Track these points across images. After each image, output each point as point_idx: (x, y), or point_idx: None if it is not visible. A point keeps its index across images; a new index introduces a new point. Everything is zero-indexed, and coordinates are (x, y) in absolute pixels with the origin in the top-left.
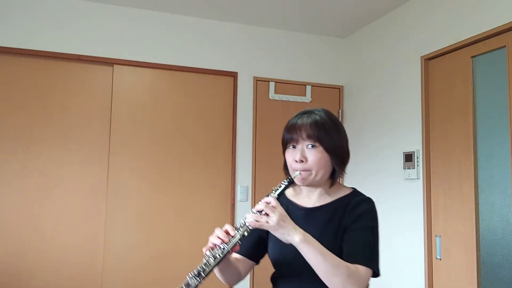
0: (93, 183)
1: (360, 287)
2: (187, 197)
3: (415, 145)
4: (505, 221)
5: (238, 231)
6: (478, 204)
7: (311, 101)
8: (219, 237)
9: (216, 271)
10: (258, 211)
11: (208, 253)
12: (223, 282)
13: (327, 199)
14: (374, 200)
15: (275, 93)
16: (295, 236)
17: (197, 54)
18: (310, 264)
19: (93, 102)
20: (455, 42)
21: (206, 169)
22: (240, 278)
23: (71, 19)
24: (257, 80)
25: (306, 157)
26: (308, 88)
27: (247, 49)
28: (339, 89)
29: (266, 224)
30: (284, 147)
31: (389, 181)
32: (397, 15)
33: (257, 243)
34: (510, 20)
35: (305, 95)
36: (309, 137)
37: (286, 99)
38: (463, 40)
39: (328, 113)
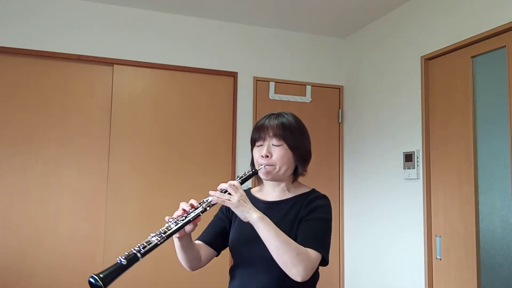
0: (93, 183)
1: (308, 267)
2: (187, 196)
3: (415, 145)
4: (505, 221)
5: (201, 205)
6: (478, 204)
7: (311, 101)
8: (183, 209)
9: (178, 249)
10: (221, 190)
11: (171, 220)
12: (184, 265)
13: (287, 195)
14: (370, 200)
15: (275, 93)
16: (253, 214)
17: (197, 54)
18: (263, 241)
19: (93, 102)
20: (455, 42)
21: (206, 169)
22: (200, 263)
23: (71, 19)
24: (257, 80)
25: (271, 153)
26: (308, 88)
27: (247, 49)
28: (339, 89)
29: (228, 201)
30: (252, 145)
31: (389, 181)
32: (397, 15)
33: (220, 233)
34: (510, 20)
35: (305, 95)
36: (275, 135)
37: (286, 99)
38: (463, 40)
39: (294, 117)
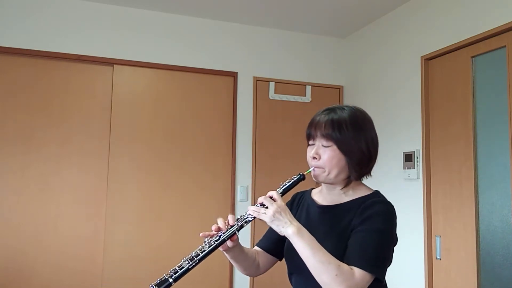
0: (93, 182)
1: None
2: (187, 197)
3: (415, 145)
4: (505, 221)
5: (237, 222)
6: (478, 204)
7: (311, 101)
8: (218, 226)
9: (230, 259)
10: (260, 203)
11: (206, 239)
12: (240, 271)
13: (344, 198)
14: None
15: (275, 93)
16: (288, 228)
17: (197, 54)
18: (301, 257)
19: (93, 102)
20: (455, 42)
21: (206, 169)
22: (258, 270)
23: (71, 19)
24: (257, 80)
25: (319, 154)
26: (308, 88)
27: (247, 49)
28: (339, 89)
29: (264, 215)
30: (307, 141)
31: (389, 181)
32: (397, 15)
33: (278, 239)
34: (510, 20)
35: (305, 95)
36: (323, 136)
37: (286, 99)
38: (463, 40)
39: (352, 112)
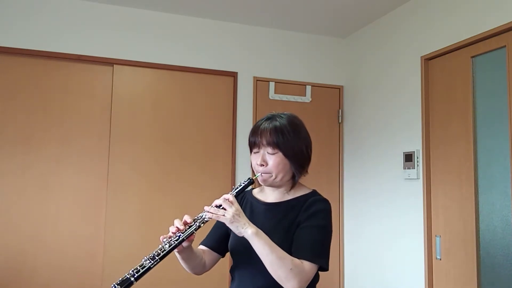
0: (93, 183)
1: (302, 281)
2: (187, 197)
3: (415, 145)
4: (505, 221)
5: (195, 222)
6: (478, 204)
7: (311, 101)
8: (177, 227)
9: (180, 260)
10: (217, 206)
11: (165, 240)
12: (188, 271)
13: (287, 197)
14: (370, 200)
15: (275, 93)
16: (248, 229)
17: (197, 54)
18: (258, 255)
19: (93, 102)
20: (455, 42)
21: (206, 169)
22: (205, 268)
23: (71, 19)
24: (257, 80)
25: (266, 161)
26: (308, 88)
27: (247, 49)
28: (339, 89)
29: (222, 217)
30: (250, 149)
31: (389, 181)
32: (397, 15)
33: (222, 237)
34: (510, 20)
35: (305, 95)
36: (269, 143)
37: (286, 99)
38: (463, 40)
39: (290, 119)
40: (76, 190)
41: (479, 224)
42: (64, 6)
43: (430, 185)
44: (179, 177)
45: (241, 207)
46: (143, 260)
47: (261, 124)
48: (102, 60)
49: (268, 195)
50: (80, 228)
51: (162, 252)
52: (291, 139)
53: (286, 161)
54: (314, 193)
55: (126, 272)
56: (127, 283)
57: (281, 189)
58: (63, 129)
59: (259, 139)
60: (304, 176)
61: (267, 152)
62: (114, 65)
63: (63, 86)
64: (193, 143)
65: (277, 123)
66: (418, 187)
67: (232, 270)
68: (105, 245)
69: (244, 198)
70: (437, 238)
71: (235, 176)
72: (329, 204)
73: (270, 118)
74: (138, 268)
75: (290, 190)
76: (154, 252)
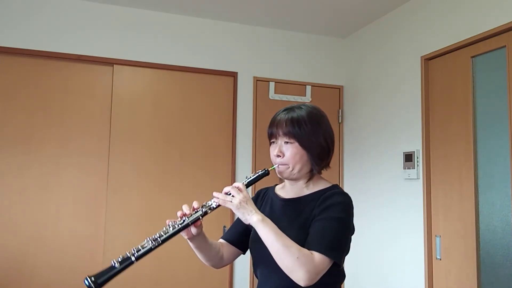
0: (93, 183)
1: (310, 271)
2: (187, 197)
3: (415, 145)
4: (505, 221)
5: (202, 208)
6: (478, 204)
7: (311, 101)
8: (184, 212)
9: (194, 249)
10: (226, 193)
11: (170, 222)
12: (204, 262)
13: (305, 191)
14: (370, 200)
15: (275, 93)
16: (253, 216)
17: (197, 54)
18: (265, 244)
19: (93, 102)
20: (455, 42)
21: (206, 169)
22: (222, 262)
23: (71, 19)
24: (257, 80)
25: (283, 152)
26: (308, 88)
27: (247, 49)
28: (339, 89)
29: (230, 203)
30: (269, 141)
31: (389, 181)
32: (397, 15)
33: (242, 232)
34: (510, 20)
35: (305, 95)
36: (285, 134)
37: (286, 99)
38: (463, 40)
39: (309, 110)
40: (76, 190)
41: (479, 224)
42: (64, 6)
43: (430, 185)
44: (179, 177)
45: (262, 204)
46: (145, 240)
47: (278, 115)
48: (102, 60)
49: (288, 190)
50: (80, 228)
51: (165, 234)
52: (309, 130)
53: (303, 152)
54: (334, 187)
55: (127, 272)
56: (127, 262)
57: (300, 184)
58: (63, 129)
59: (275, 129)
60: (326, 170)
61: (284, 143)
62: (114, 65)
63: (63, 86)
64: (193, 143)
65: (295, 114)
66: (418, 187)
67: (254, 269)
68: (105, 245)
69: (266, 194)
70: (437, 238)
71: (235, 176)
72: (349, 197)
73: (289, 109)
74: (140, 248)
75: (308, 183)
76: (157, 233)
